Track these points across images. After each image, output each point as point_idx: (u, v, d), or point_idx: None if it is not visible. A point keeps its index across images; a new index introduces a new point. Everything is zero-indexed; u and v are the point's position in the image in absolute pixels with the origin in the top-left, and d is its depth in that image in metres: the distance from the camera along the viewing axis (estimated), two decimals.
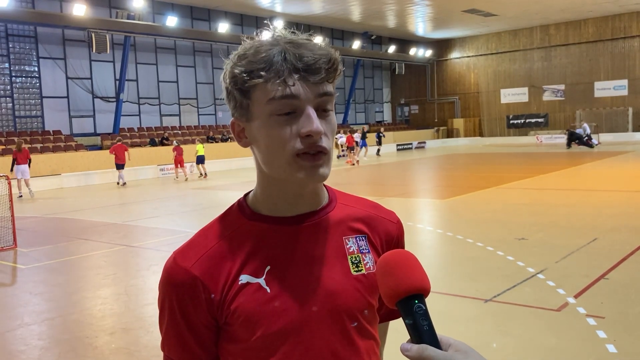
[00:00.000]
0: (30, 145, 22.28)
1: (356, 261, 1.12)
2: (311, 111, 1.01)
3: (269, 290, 1.05)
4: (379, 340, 1.16)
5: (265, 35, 1.06)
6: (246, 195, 1.17)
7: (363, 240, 1.15)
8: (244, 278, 1.06)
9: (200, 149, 21.91)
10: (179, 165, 21.82)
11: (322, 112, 1.03)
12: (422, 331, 0.85)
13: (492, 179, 16.55)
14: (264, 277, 1.06)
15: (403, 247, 1.22)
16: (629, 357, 4.20)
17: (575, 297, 5.54)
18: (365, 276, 1.11)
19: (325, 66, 1.01)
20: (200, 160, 21.89)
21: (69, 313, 5.92)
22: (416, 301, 0.87)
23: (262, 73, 1.00)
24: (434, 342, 0.84)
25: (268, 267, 1.07)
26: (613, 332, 4.62)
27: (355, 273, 1.10)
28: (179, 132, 28.38)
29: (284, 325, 1.04)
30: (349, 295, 1.08)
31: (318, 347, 1.06)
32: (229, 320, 1.06)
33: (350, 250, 1.12)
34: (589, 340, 4.51)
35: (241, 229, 1.11)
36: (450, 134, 42.90)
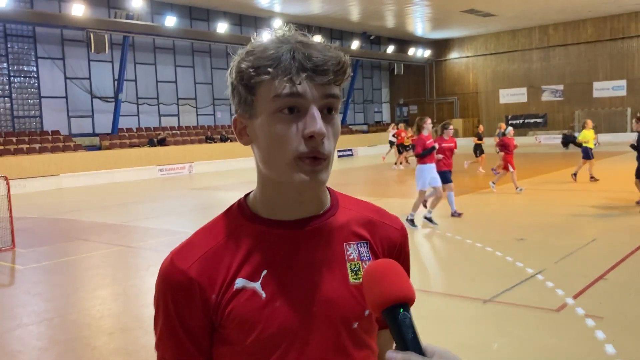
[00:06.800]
0: (28, 146, 22.22)
1: (355, 269, 1.09)
2: (315, 111, 0.98)
3: (264, 295, 1.03)
4: (376, 350, 1.14)
5: (275, 35, 1.03)
6: (247, 195, 1.15)
7: (364, 247, 1.12)
8: (239, 282, 1.04)
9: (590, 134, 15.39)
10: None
11: (326, 115, 1.01)
12: (407, 339, 0.87)
13: (491, 179, 16.53)
14: (259, 281, 1.04)
15: (407, 254, 1.20)
16: (627, 357, 4.20)
17: (574, 297, 5.54)
18: None
19: (334, 68, 0.99)
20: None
21: (68, 313, 5.91)
22: (401, 310, 0.89)
23: (269, 69, 0.98)
24: (419, 350, 0.87)
25: (265, 272, 1.05)
26: (612, 332, 4.62)
27: (353, 281, 1.08)
28: (178, 132, 28.37)
29: (277, 331, 1.03)
30: (346, 304, 1.06)
31: (311, 354, 1.04)
32: (223, 323, 1.04)
33: (350, 257, 1.10)
34: (587, 341, 4.51)
35: (240, 230, 1.09)
36: None
